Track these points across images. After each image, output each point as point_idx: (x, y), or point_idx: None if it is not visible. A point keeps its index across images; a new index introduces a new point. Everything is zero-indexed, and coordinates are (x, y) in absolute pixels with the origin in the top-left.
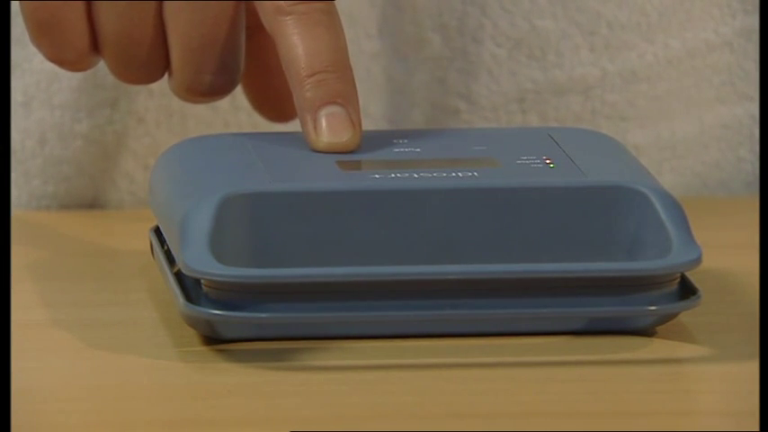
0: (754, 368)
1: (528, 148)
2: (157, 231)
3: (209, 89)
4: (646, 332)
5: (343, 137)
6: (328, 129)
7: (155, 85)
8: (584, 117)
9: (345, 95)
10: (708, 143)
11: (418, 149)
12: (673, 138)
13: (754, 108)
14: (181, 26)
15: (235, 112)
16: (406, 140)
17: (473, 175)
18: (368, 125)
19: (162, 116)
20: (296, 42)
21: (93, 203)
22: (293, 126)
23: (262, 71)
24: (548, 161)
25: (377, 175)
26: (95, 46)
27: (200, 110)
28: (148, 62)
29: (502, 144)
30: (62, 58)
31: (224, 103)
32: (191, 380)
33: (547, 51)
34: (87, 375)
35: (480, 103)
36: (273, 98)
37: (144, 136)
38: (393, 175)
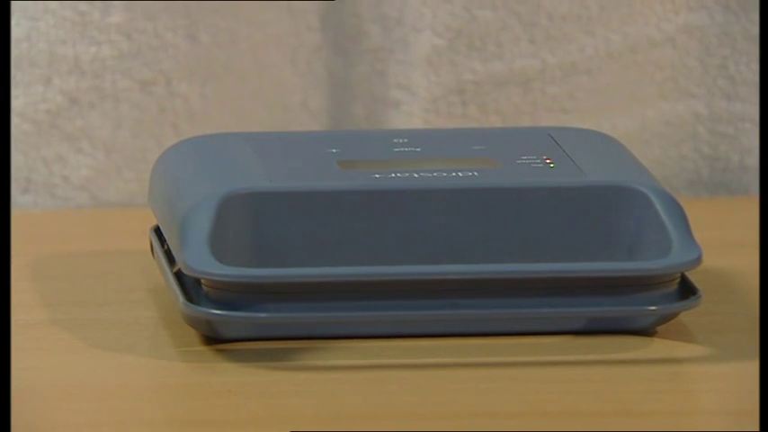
0: (754, 368)
1: (528, 148)
2: (157, 231)
3: None
4: (646, 332)
5: None
6: None
7: (87, 66)
8: (525, 109)
9: None
10: (649, 140)
11: (418, 149)
12: (614, 132)
13: (697, 105)
14: None
15: (170, 97)
16: (406, 140)
17: (473, 174)
18: (308, 120)
19: (95, 98)
20: None
21: (26, 183)
22: (293, 126)
23: None
24: (548, 161)
25: (377, 175)
26: None
27: (134, 94)
28: None
29: (502, 144)
30: None
31: (159, 88)
32: (191, 380)
33: (487, 42)
34: (87, 375)
35: (420, 94)
36: None
37: (76, 117)
38: (393, 175)
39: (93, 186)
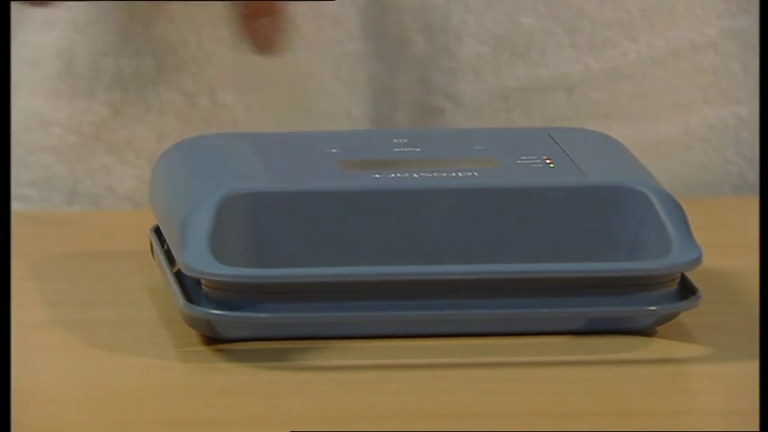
0: (754, 368)
1: (528, 148)
2: (157, 231)
3: None
4: (646, 332)
5: (273, 44)
6: (259, 38)
7: (131, 78)
8: (569, 115)
9: (274, 7)
10: (693, 144)
11: (418, 149)
12: (657, 137)
13: (741, 110)
14: None
15: (214, 108)
16: (406, 140)
17: (473, 175)
18: (351, 128)
19: (139, 110)
20: None
21: (71, 194)
22: (293, 126)
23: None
24: (548, 161)
25: (377, 175)
26: None
27: (179, 106)
28: None
29: (502, 144)
30: None
31: (204, 99)
32: (191, 380)
33: (531, 48)
34: (87, 375)
35: (464, 102)
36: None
37: (121, 129)
38: (393, 175)
39: (137, 197)
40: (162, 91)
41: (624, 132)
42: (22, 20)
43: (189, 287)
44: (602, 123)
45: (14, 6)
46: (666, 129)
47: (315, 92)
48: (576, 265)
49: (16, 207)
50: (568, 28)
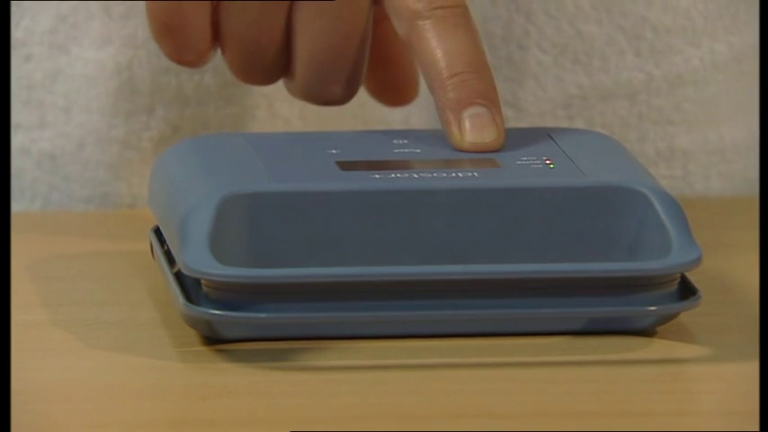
0: (754, 368)
1: (528, 149)
2: (157, 231)
3: (328, 99)
4: (646, 332)
5: (488, 137)
6: (472, 129)
7: (191, 94)
8: (631, 122)
9: (487, 96)
10: (757, 148)
11: (418, 149)
12: (721, 142)
13: None
14: (311, 37)
15: (271, 119)
16: (406, 140)
17: (473, 175)
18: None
19: (198, 126)
20: (435, 45)
21: (131, 209)
22: (293, 126)
23: (379, 62)
24: (548, 161)
25: (377, 176)
26: (216, 44)
27: (237, 120)
28: (270, 67)
29: None
30: (182, 58)
31: (262, 111)
32: (191, 380)
33: (592, 56)
34: (87, 375)
35: (527, 110)
36: (391, 86)
37: None
38: (393, 176)
39: None
40: (221, 106)
41: (687, 138)
42: (77, 36)
43: (189, 287)
44: (665, 130)
45: (68, 21)
46: (730, 133)
47: (372, 101)
48: (576, 265)
49: None
50: (630, 35)
